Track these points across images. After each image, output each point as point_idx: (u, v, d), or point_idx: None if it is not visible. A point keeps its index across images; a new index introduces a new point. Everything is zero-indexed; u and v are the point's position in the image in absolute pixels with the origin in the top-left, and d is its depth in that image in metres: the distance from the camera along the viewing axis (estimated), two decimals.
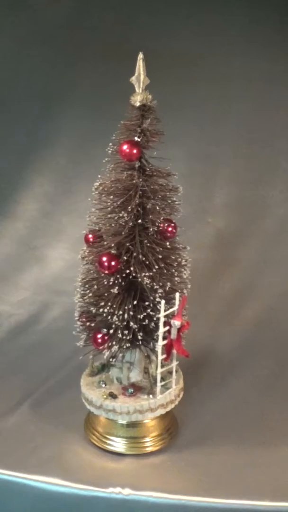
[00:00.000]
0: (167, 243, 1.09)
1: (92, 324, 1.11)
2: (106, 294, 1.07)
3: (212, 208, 1.75)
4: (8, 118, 1.72)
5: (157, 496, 1.02)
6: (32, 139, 1.74)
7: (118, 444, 1.14)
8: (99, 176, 1.09)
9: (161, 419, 1.17)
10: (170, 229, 1.08)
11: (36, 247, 1.77)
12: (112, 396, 1.13)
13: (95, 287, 1.09)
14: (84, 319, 1.13)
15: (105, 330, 1.09)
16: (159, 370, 1.10)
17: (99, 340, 1.09)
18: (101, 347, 1.10)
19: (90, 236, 1.12)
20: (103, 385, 1.16)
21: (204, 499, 1.01)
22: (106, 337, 1.09)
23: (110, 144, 1.06)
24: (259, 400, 1.32)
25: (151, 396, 1.13)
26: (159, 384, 1.12)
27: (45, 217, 1.78)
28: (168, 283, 1.08)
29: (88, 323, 1.12)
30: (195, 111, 1.69)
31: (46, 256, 1.77)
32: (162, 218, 1.07)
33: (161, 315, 1.05)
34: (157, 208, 1.06)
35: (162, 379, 1.13)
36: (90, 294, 1.10)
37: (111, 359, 1.15)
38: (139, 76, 1.03)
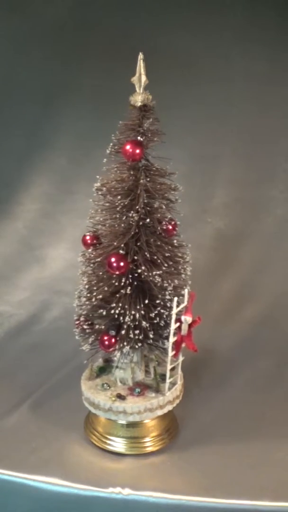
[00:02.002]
0: (174, 241, 1.11)
1: (102, 327, 1.10)
2: (117, 295, 1.06)
3: (212, 208, 1.75)
4: (8, 118, 1.72)
5: (157, 496, 1.02)
6: (32, 139, 1.73)
7: (118, 444, 1.14)
8: (98, 176, 1.09)
9: (161, 419, 1.17)
10: (171, 227, 1.10)
11: (36, 247, 1.77)
12: (121, 397, 1.12)
13: (106, 288, 1.08)
14: (89, 323, 1.12)
15: (113, 332, 1.09)
16: (169, 366, 1.11)
17: (106, 343, 1.09)
18: (111, 349, 1.09)
19: (88, 238, 1.11)
20: (108, 388, 1.16)
21: (204, 499, 1.01)
22: (113, 339, 1.08)
23: (111, 144, 1.06)
24: (259, 400, 1.32)
25: (158, 393, 1.13)
26: (168, 380, 1.12)
27: (45, 217, 1.78)
28: (176, 281, 1.09)
29: (97, 326, 1.10)
30: (195, 111, 1.69)
31: (46, 256, 1.77)
32: (169, 216, 1.09)
33: (174, 312, 1.06)
34: (163, 207, 1.07)
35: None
36: (100, 296, 1.08)
37: (122, 360, 1.15)
38: (140, 77, 1.03)
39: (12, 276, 1.75)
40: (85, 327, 1.12)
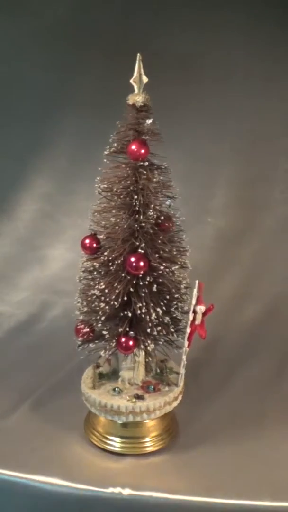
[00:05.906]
0: (184, 236, 1.12)
1: (120, 329, 1.08)
2: (142, 295, 1.06)
3: (212, 208, 1.75)
4: (8, 119, 1.72)
5: (157, 496, 1.02)
6: (33, 140, 1.74)
7: (118, 444, 1.14)
8: (98, 178, 1.09)
9: (161, 419, 1.17)
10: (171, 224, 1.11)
11: (36, 247, 1.78)
12: (139, 397, 1.12)
13: (131, 289, 1.06)
14: (108, 328, 1.10)
15: (132, 333, 1.08)
16: (184, 357, 1.12)
17: (124, 344, 1.07)
18: (130, 350, 1.08)
19: (88, 241, 1.10)
20: (120, 391, 1.14)
21: (204, 499, 1.01)
22: (132, 340, 1.07)
23: (114, 144, 1.06)
24: (259, 400, 1.32)
25: (171, 386, 1.15)
26: (182, 371, 1.13)
27: (45, 217, 1.78)
28: (185, 274, 1.12)
29: (120, 329, 1.08)
30: (195, 111, 1.69)
31: (46, 256, 1.77)
32: (178, 213, 1.10)
33: (193, 303, 1.07)
34: (173, 204, 1.09)
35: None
36: (125, 298, 1.05)
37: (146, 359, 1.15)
38: (140, 77, 1.03)
39: (12, 276, 1.75)
40: (104, 332, 1.10)
